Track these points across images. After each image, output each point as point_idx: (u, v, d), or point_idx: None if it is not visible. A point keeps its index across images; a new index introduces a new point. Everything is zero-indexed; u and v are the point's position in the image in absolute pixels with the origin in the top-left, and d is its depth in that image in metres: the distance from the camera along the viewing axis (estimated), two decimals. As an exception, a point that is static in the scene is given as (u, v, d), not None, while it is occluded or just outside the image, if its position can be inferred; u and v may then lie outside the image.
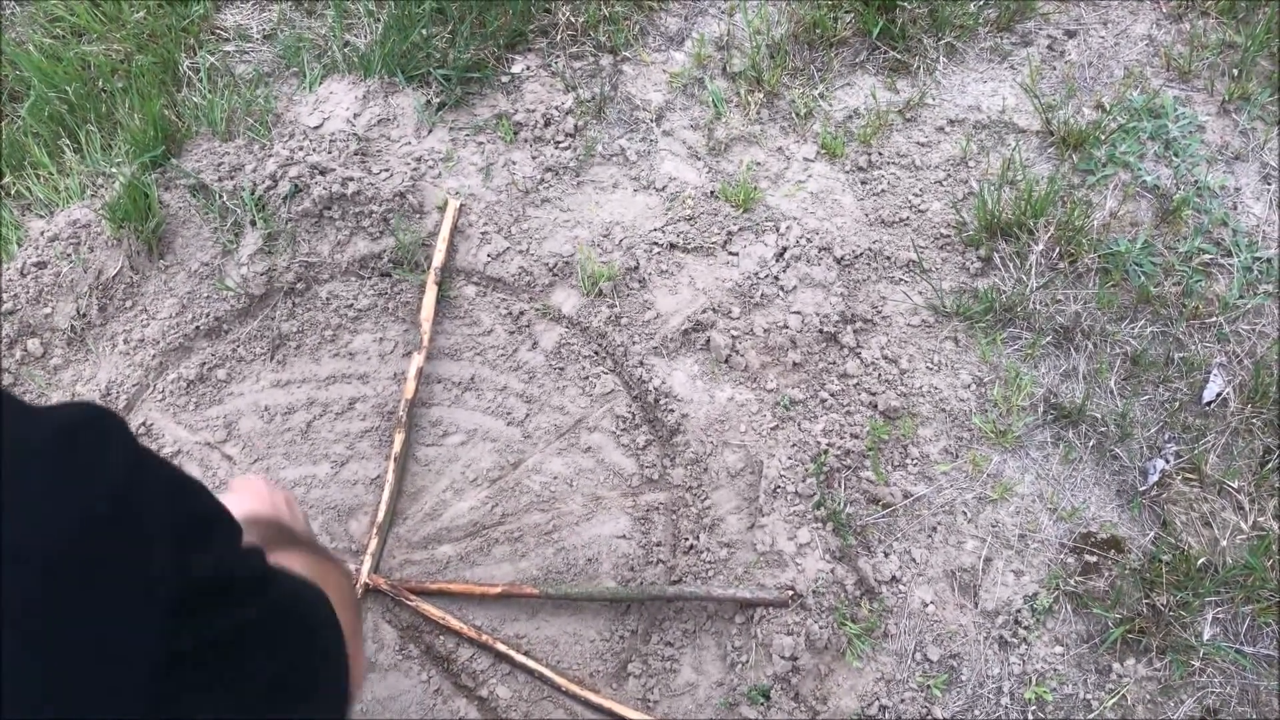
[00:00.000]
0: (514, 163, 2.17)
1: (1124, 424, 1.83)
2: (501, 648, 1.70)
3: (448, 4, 2.28)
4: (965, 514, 1.79)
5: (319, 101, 2.24)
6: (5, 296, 2.00)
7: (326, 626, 0.70)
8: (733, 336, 1.95)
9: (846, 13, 2.30)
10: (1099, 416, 1.85)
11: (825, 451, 1.80)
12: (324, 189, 2.03)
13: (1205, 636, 1.65)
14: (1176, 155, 2.11)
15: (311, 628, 0.68)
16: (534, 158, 2.18)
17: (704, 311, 1.98)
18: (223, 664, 0.55)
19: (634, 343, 1.97)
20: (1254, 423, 1.81)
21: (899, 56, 2.27)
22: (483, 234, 2.08)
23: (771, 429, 1.87)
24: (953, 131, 2.19)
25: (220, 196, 2.09)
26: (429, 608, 1.73)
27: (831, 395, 1.89)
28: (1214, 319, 1.91)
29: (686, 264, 2.05)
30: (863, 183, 2.14)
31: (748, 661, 1.67)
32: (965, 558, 1.76)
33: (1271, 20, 2.22)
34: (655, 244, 2.06)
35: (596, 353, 1.98)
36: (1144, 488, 1.79)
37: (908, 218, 2.09)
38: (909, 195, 2.12)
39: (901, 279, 2.03)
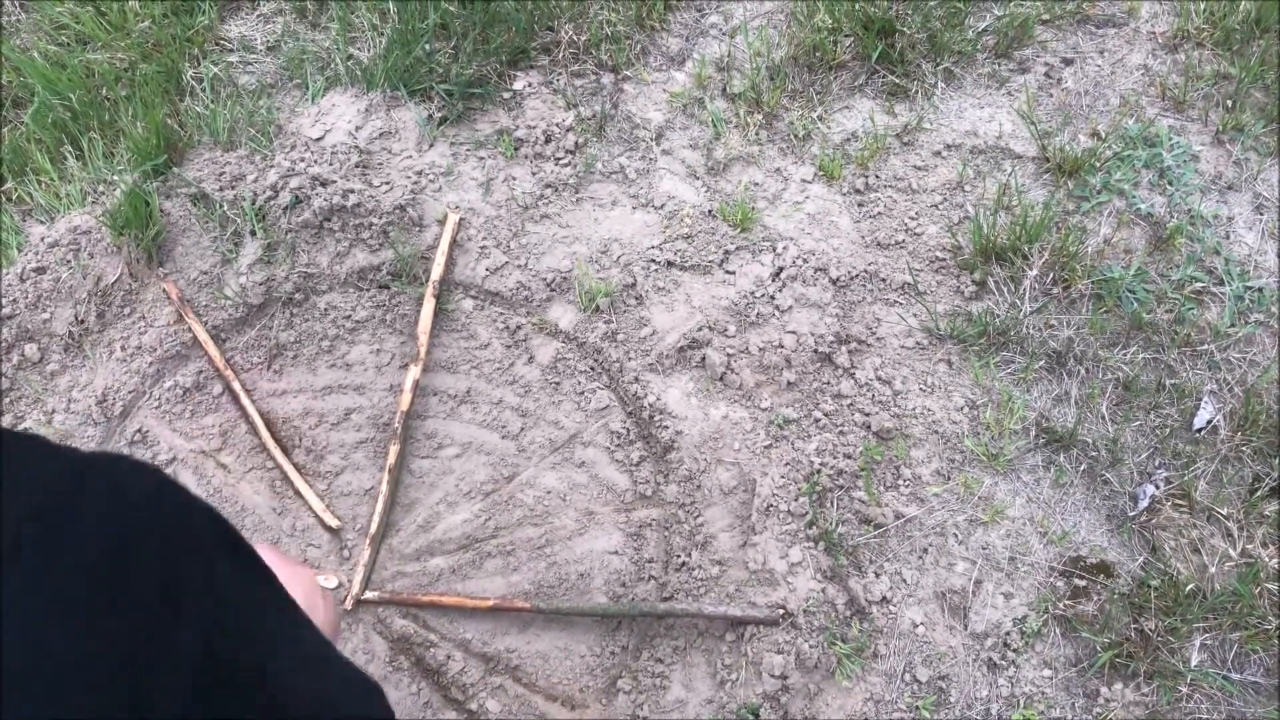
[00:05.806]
0: (514, 178, 2.19)
1: (1115, 449, 1.84)
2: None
3: (451, 20, 2.30)
4: (956, 536, 1.80)
5: (321, 113, 2.25)
6: (4, 301, 2.01)
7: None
8: (728, 355, 1.96)
9: (846, 37, 2.32)
10: (1090, 441, 1.86)
11: (818, 471, 1.81)
12: (324, 200, 2.04)
13: (1193, 662, 1.66)
14: (1170, 184, 2.13)
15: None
16: (534, 174, 2.19)
17: (700, 329, 1.99)
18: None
19: (630, 359, 1.98)
20: (1244, 450, 1.82)
21: (897, 81, 2.30)
22: (481, 248, 2.09)
23: (765, 447, 1.88)
24: (949, 156, 2.21)
25: (221, 206, 2.10)
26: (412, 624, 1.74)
27: (825, 415, 1.90)
28: (1205, 347, 1.93)
29: (683, 282, 2.06)
30: (859, 205, 2.16)
31: (738, 679, 1.67)
32: (955, 579, 1.76)
33: (1265, 52, 2.25)
34: (653, 261, 2.08)
35: (592, 368, 1.99)
36: (1134, 513, 1.80)
37: (903, 240, 2.11)
38: (905, 218, 2.13)
39: (896, 301, 2.04)
